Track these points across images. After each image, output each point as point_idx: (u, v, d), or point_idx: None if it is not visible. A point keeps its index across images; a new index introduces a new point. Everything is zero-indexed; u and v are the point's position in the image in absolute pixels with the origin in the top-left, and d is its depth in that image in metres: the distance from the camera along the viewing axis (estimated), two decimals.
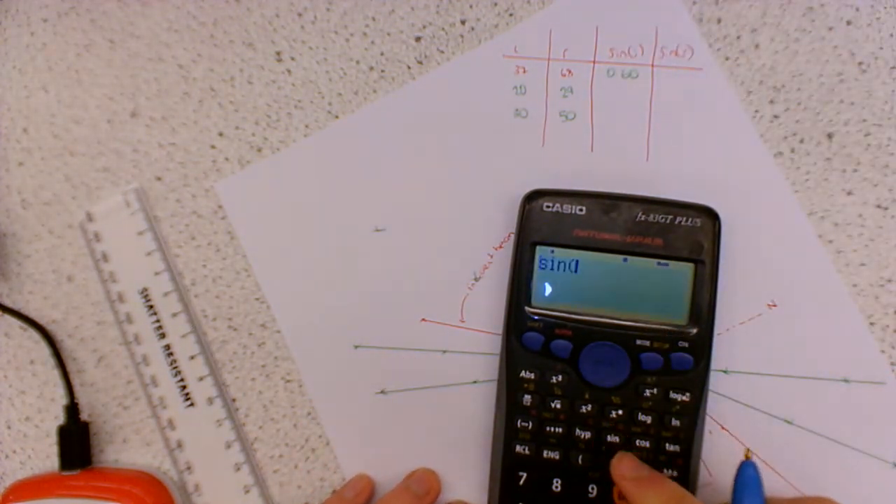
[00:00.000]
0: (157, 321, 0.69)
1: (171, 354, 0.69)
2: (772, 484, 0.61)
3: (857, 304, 0.62)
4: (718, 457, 0.62)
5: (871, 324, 0.62)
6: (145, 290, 0.69)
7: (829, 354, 0.62)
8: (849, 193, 0.63)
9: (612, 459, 0.57)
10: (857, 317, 0.62)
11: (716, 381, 0.62)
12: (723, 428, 0.63)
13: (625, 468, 0.57)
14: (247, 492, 0.67)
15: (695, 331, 0.59)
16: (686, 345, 0.59)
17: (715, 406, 0.62)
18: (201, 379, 0.68)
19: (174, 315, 0.69)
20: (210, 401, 0.68)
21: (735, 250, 0.62)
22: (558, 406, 0.60)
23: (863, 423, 0.61)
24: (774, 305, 0.63)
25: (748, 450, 0.53)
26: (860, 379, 0.62)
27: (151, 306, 0.69)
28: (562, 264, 0.61)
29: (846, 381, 0.62)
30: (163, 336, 0.69)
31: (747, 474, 0.52)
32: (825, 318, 0.63)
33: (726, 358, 0.63)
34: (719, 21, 0.65)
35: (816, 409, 0.62)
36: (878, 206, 0.63)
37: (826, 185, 0.64)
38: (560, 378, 0.60)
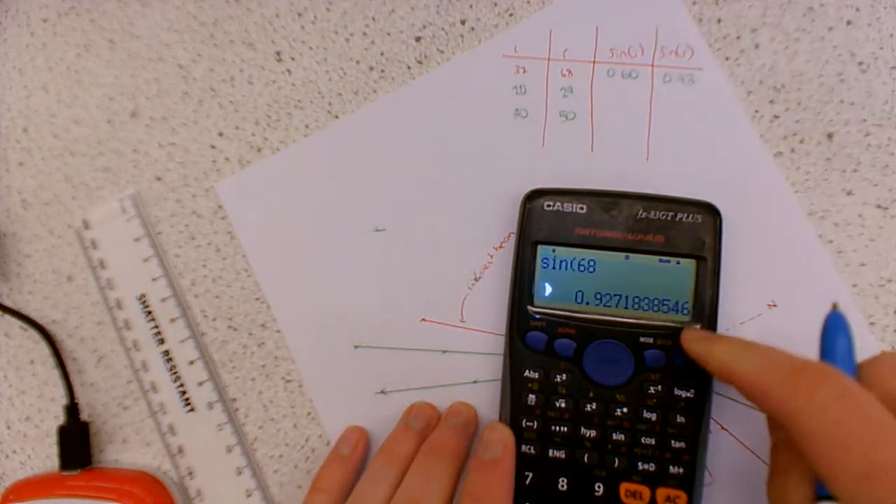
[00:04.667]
0: (156, 327, 0.67)
1: (170, 360, 0.67)
2: None
3: (857, 304, 0.61)
4: (718, 457, 0.61)
5: (872, 324, 0.61)
6: (143, 296, 0.68)
7: None
8: (849, 193, 0.62)
9: (679, 335, 0.56)
10: (857, 317, 0.61)
11: (716, 381, 0.59)
12: (723, 428, 0.61)
13: (693, 333, 0.56)
14: (249, 496, 0.66)
15: (698, 327, 0.57)
16: None
17: (715, 406, 0.60)
18: (201, 384, 0.67)
19: (172, 320, 0.67)
20: (210, 405, 0.66)
21: (735, 251, 0.61)
22: (563, 405, 0.58)
23: None
24: (774, 305, 0.61)
25: (836, 303, 0.51)
26: None
27: (150, 312, 0.67)
28: (563, 263, 0.59)
29: None
30: (161, 342, 0.67)
31: (838, 321, 0.50)
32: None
33: None
34: (719, 21, 0.63)
35: None
36: (878, 206, 0.61)
37: (826, 185, 0.62)
38: (564, 377, 0.58)
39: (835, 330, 0.49)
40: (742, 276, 0.61)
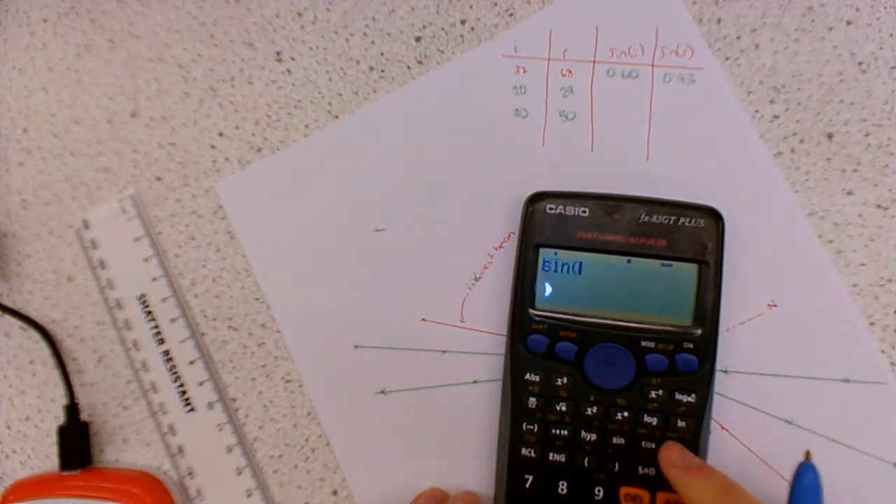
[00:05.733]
0: (156, 327, 0.67)
1: (170, 360, 0.66)
2: (772, 484, 0.60)
3: (857, 304, 0.60)
4: (718, 457, 0.60)
5: (871, 324, 0.60)
6: (143, 296, 0.67)
7: (829, 354, 0.60)
8: (849, 193, 0.61)
9: (659, 448, 0.56)
10: (857, 317, 0.60)
11: (716, 381, 0.59)
12: (722, 428, 0.60)
13: (673, 456, 0.55)
14: (249, 496, 0.65)
15: (699, 332, 0.57)
16: (691, 346, 0.56)
17: (715, 406, 0.59)
18: (201, 384, 0.66)
19: (172, 320, 0.67)
20: (210, 405, 0.66)
21: (735, 250, 0.60)
22: (563, 408, 0.58)
23: (863, 423, 0.60)
24: (774, 305, 0.61)
25: (808, 451, 0.51)
26: (860, 379, 0.60)
27: (150, 312, 0.67)
28: (565, 266, 0.59)
29: (846, 381, 0.60)
30: (161, 342, 0.67)
31: (807, 479, 0.50)
32: (825, 318, 0.60)
33: (726, 358, 0.60)
34: (719, 21, 0.63)
35: (816, 409, 0.60)
36: (878, 206, 0.61)
37: (826, 185, 0.61)
38: (565, 380, 0.58)
39: (806, 488, 0.51)
40: (742, 277, 0.60)
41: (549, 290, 0.59)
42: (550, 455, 0.58)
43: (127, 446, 0.68)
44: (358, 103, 0.66)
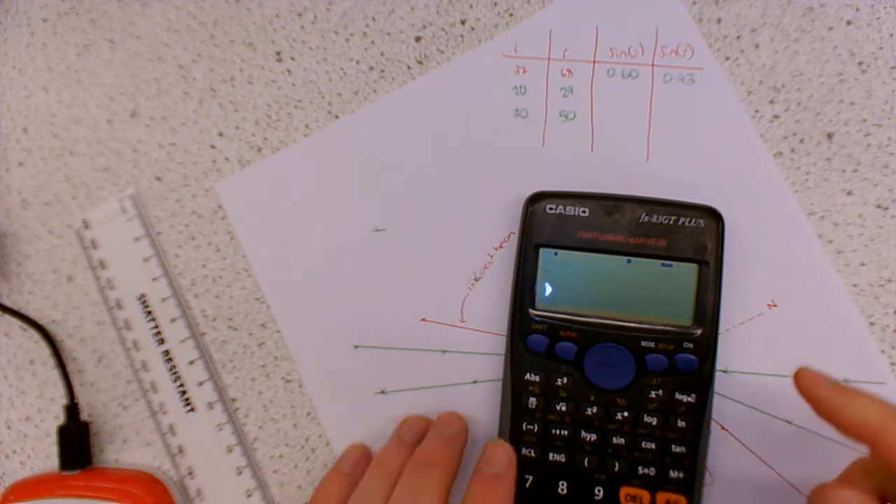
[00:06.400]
0: (156, 327, 0.67)
1: (170, 360, 0.66)
2: (771, 484, 0.59)
3: (857, 304, 0.60)
4: (719, 457, 0.60)
5: (872, 324, 0.60)
6: (143, 296, 0.67)
7: (829, 354, 0.60)
8: (849, 193, 0.61)
9: (795, 373, 0.51)
10: (857, 317, 0.60)
11: (716, 381, 0.58)
12: (723, 428, 0.60)
13: (818, 377, 0.50)
14: (249, 496, 0.65)
15: (699, 331, 0.56)
16: (691, 346, 0.56)
17: (715, 406, 0.59)
18: (201, 384, 0.66)
19: (172, 321, 0.67)
20: (210, 405, 0.66)
21: (735, 250, 0.60)
22: (564, 408, 0.58)
23: None
24: (774, 305, 0.60)
25: None
26: (860, 379, 0.59)
27: (150, 312, 0.67)
28: (565, 266, 0.58)
29: (846, 381, 0.59)
30: (161, 342, 0.66)
31: None
32: (825, 318, 0.60)
33: (726, 358, 0.60)
34: (719, 21, 0.62)
35: None
36: (878, 206, 0.61)
37: (826, 185, 0.61)
38: (565, 380, 0.58)
39: None
40: (742, 276, 0.60)
41: (549, 290, 0.58)
42: (550, 455, 0.58)
43: (127, 446, 0.67)
44: (358, 103, 0.66)
